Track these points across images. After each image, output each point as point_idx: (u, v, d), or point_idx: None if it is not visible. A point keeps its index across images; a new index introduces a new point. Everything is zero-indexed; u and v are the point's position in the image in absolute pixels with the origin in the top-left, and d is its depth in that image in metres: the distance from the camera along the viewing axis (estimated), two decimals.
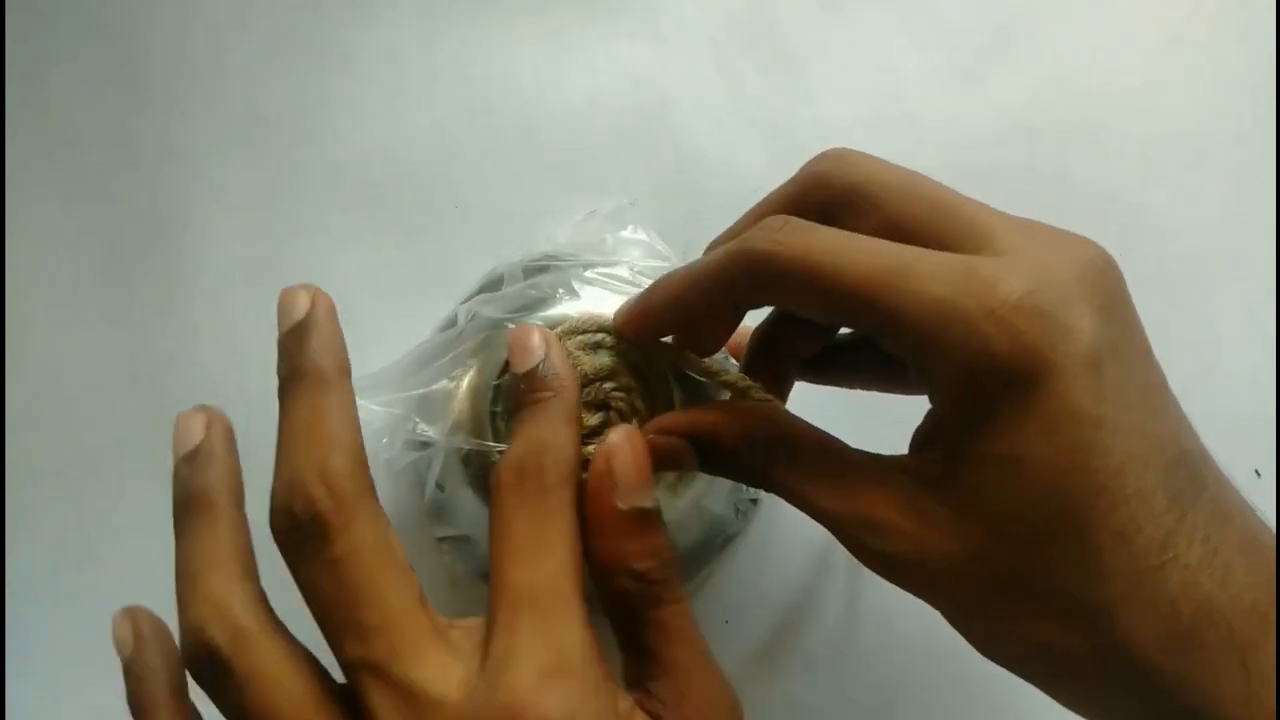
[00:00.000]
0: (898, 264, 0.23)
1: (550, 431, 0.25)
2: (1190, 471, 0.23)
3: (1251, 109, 0.40)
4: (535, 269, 0.35)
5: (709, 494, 0.34)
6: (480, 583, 0.36)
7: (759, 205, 0.28)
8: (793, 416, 0.27)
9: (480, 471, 0.32)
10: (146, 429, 0.39)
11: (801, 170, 0.28)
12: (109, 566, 0.38)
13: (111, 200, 0.41)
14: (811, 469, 0.26)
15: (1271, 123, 0.40)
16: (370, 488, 0.23)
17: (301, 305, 0.25)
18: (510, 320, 0.32)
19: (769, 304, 0.27)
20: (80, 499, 0.39)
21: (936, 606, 0.24)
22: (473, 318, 0.33)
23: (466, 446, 0.31)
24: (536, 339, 0.27)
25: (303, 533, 0.23)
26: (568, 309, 0.33)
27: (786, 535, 0.37)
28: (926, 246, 0.24)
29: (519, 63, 0.41)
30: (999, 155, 0.40)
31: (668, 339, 0.30)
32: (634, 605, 0.25)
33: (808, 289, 0.24)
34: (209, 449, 0.26)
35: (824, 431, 0.26)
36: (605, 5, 0.42)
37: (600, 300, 0.33)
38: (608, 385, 0.31)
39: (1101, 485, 0.22)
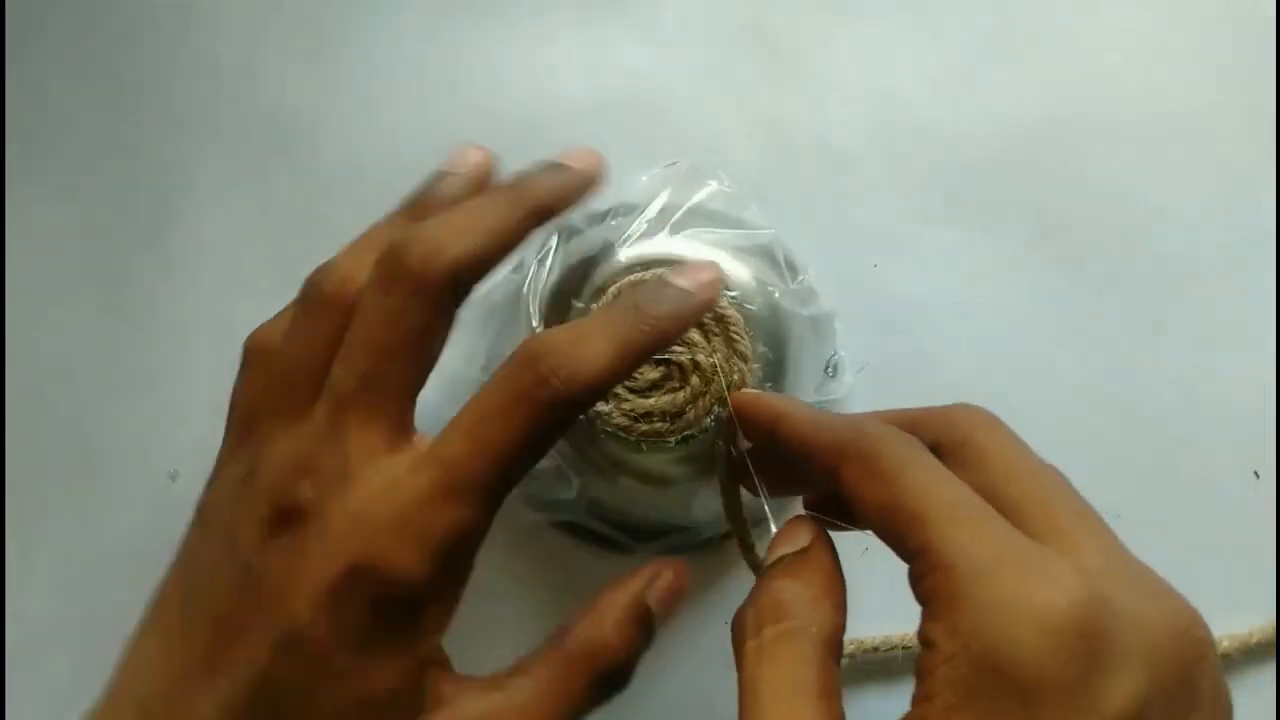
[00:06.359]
0: (962, 505, 0.22)
1: (598, 345, 0.26)
2: None
3: (1252, 109, 0.40)
4: (617, 212, 0.36)
5: None
6: (530, 511, 0.37)
7: (887, 413, 0.27)
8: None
9: None
10: (147, 428, 0.39)
11: (938, 407, 0.27)
12: (109, 566, 0.38)
13: (111, 200, 0.41)
14: None
15: (1272, 123, 0.40)
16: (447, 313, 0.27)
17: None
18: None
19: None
20: (80, 498, 0.39)
21: None
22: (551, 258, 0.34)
23: None
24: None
25: (400, 276, 0.26)
26: (639, 254, 0.33)
27: None
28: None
29: (519, 64, 0.41)
30: (1000, 155, 0.40)
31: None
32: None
33: (870, 495, 0.23)
34: (452, 184, 0.31)
35: None
36: (605, 6, 0.42)
37: (671, 248, 0.33)
38: None
39: None
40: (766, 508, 0.29)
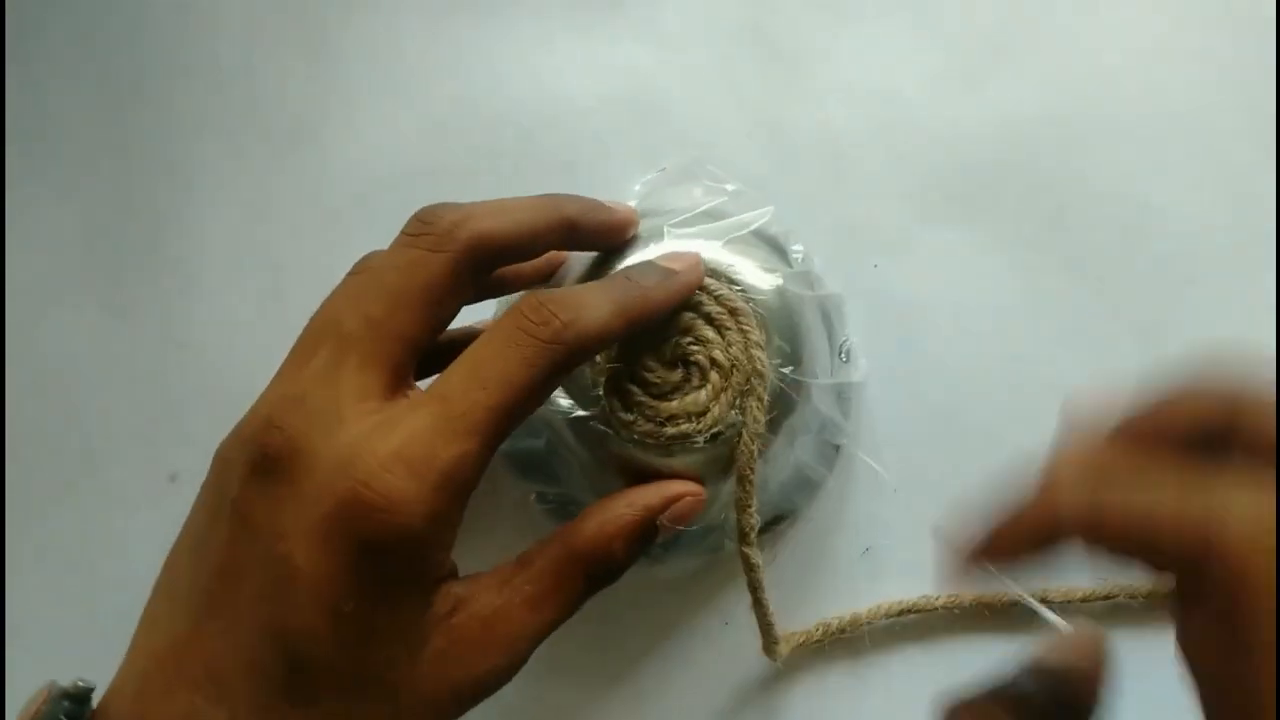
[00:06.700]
0: None
1: (596, 300, 0.27)
2: None
3: (1252, 109, 0.40)
4: None
5: (797, 443, 0.34)
6: (552, 524, 0.36)
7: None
8: None
9: (592, 435, 0.32)
10: (147, 428, 0.39)
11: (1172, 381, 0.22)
12: (110, 564, 0.38)
13: (111, 200, 0.41)
14: None
15: (1272, 123, 0.40)
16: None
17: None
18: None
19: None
20: (80, 497, 0.39)
21: None
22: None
23: (581, 412, 0.31)
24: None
25: (426, 233, 0.27)
26: (643, 258, 0.32)
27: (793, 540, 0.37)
28: None
29: (518, 64, 0.41)
30: (1000, 155, 0.40)
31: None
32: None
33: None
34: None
35: None
36: (605, 6, 0.42)
37: (675, 250, 0.33)
38: (685, 340, 0.31)
39: None
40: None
